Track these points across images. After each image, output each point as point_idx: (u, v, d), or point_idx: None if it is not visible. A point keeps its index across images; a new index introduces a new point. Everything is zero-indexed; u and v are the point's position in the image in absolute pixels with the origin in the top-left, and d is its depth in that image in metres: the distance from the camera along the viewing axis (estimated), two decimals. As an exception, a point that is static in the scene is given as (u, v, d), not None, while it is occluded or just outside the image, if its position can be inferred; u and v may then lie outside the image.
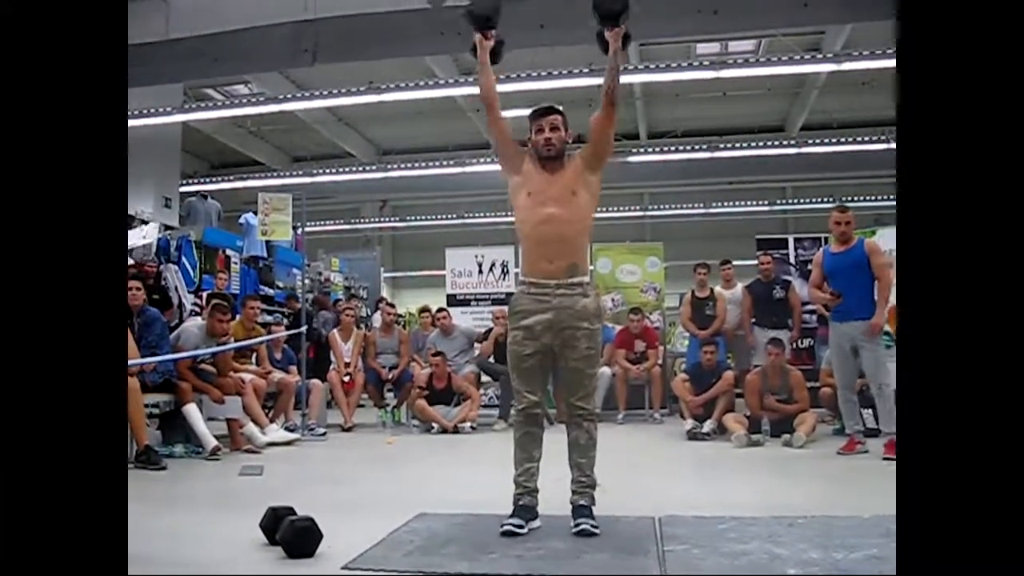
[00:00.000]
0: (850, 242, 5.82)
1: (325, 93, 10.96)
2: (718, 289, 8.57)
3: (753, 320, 8.06)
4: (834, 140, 13.34)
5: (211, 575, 2.64)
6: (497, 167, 3.64)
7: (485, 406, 8.78)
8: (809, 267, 9.72)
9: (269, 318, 9.30)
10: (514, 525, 3.14)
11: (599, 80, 9.63)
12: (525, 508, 3.28)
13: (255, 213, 8.64)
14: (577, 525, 3.14)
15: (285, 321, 9.76)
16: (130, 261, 7.92)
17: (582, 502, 3.28)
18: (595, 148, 3.46)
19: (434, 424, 7.67)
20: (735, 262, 9.12)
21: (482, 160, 14.62)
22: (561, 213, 3.32)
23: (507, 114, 3.46)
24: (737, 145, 14.38)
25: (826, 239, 10.05)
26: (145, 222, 9.16)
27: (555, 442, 3.43)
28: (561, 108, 3.45)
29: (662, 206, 18.14)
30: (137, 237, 8.16)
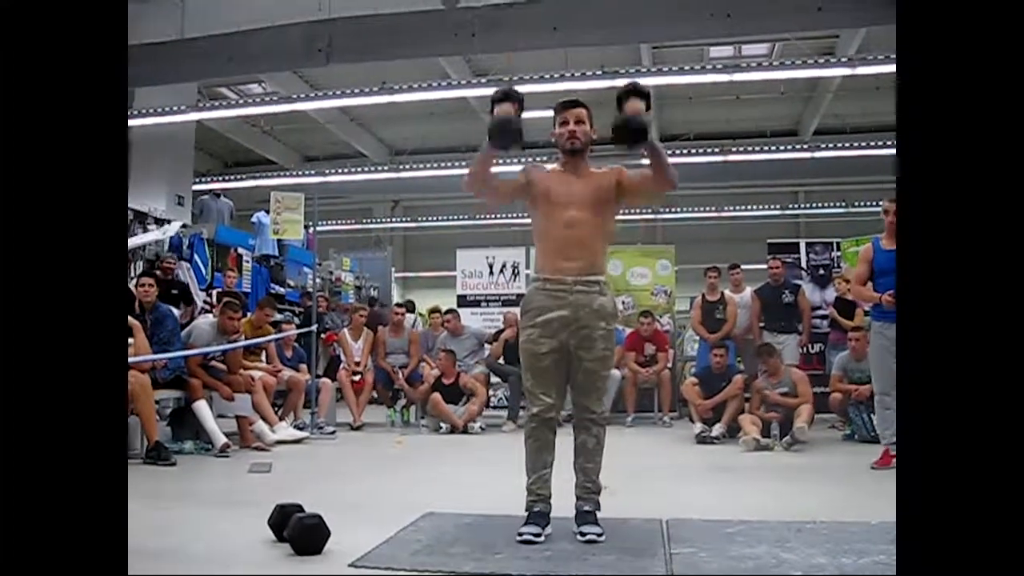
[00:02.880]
0: None
1: (338, 93, 11.01)
2: (728, 293, 8.55)
3: (762, 324, 8.05)
4: (847, 144, 13.29)
5: (219, 572, 2.65)
6: (508, 168, 3.61)
7: (494, 407, 8.79)
8: (820, 272, 9.73)
9: (280, 316, 9.33)
10: (532, 534, 3.03)
11: (611, 82, 9.59)
12: (540, 515, 3.15)
13: (267, 212, 8.68)
14: (583, 534, 3.06)
15: (296, 320, 9.80)
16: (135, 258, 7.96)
17: (587, 508, 3.20)
18: (631, 192, 3.34)
19: (443, 424, 7.67)
20: (747, 266, 9.11)
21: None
22: (585, 217, 3.21)
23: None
24: (749, 149, 14.33)
25: (838, 244, 10.03)
26: (159, 220, 9.19)
27: (562, 443, 3.36)
28: (586, 105, 3.32)
29: (674, 209, 18.06)
30: (157, 234, 8.23)
